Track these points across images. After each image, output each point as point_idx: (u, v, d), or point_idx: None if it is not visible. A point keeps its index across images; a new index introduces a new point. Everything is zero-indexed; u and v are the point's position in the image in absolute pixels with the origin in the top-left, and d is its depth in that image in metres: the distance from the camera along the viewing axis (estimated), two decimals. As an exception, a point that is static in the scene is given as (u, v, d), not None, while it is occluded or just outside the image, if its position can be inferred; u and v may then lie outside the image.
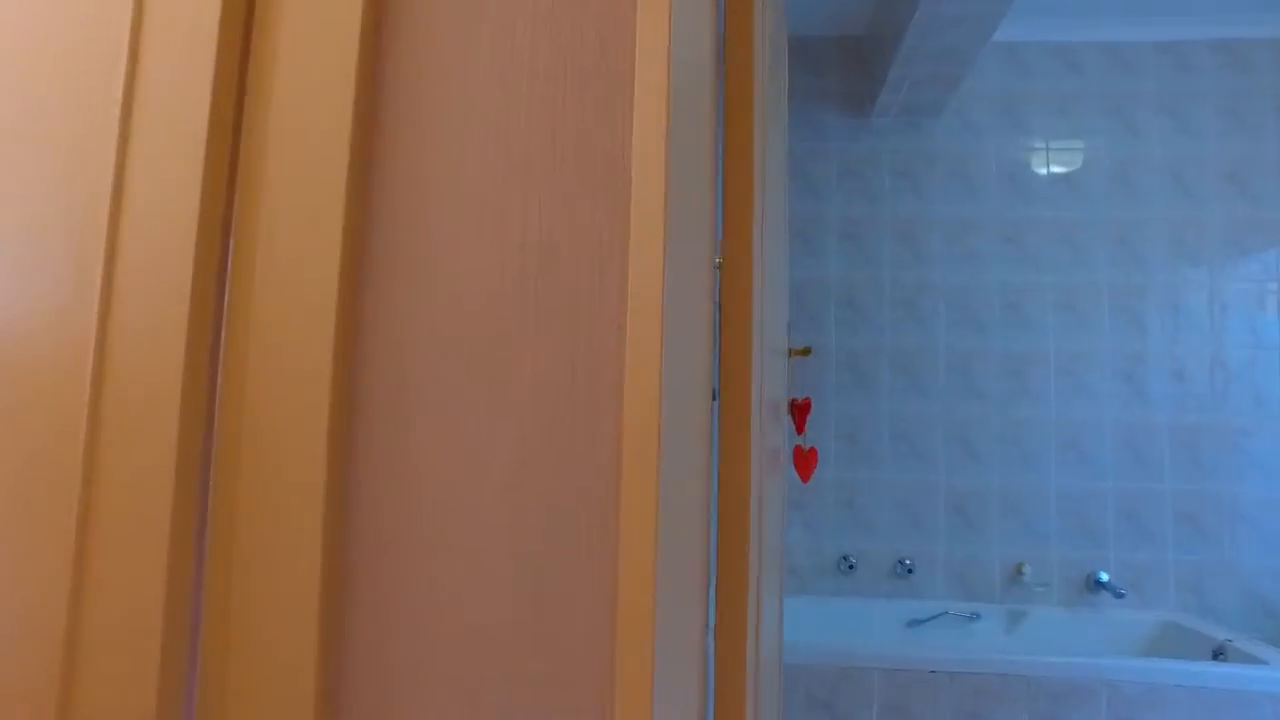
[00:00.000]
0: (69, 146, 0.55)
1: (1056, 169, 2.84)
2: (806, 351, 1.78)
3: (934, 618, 2.59)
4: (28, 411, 0.54)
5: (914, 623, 2.60)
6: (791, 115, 2.92)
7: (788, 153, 2.51)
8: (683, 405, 0.58)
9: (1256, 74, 2.79)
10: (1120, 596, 2.58)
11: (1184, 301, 2.73)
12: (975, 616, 2.58)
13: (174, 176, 0.52)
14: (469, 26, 0.56)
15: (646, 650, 0.46)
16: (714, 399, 0.91)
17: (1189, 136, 2.79)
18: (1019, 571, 2.65)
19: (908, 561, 2.68)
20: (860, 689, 2.06)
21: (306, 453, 0.49)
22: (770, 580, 1.34)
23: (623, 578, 0.46)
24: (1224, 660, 2.17)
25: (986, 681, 2.03)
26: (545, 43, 0.55)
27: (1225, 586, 2.59)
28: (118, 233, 0.52)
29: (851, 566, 2.68)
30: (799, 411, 2.25)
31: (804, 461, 2.24)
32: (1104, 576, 2.61)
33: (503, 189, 0.52)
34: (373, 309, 0.51)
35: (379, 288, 0.51)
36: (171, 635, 0.48)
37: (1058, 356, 2.75)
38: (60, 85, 0.56)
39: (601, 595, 0.48)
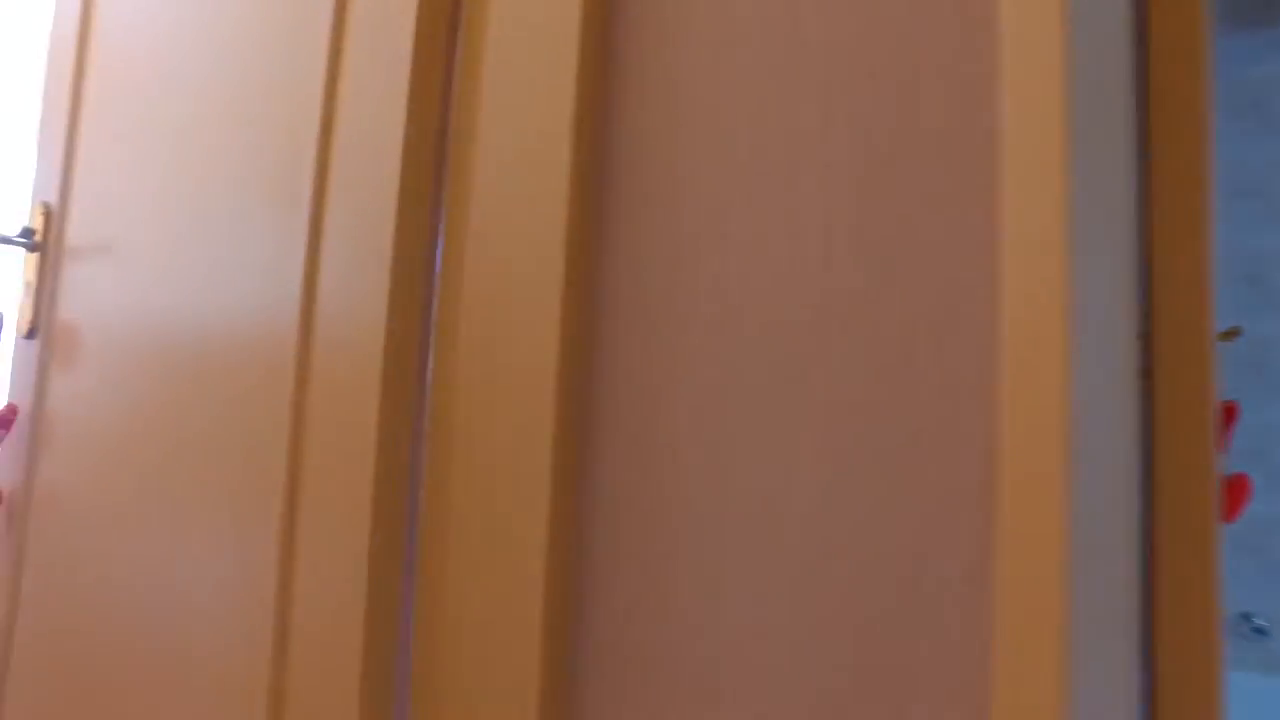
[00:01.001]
0: (276, 137, 0.60)
1: None
2: (1234, 334, 1.29)
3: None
4: (236, 406, 0.57)
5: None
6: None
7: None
8: (1098, 416, 0.37)
9: None
10: None
11: None
12: None
13: (378, 157, 0.52)
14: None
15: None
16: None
17: None
18: None
19: (1347, 630, 1.95)
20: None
21: (530, 454, 0.45)
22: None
23: (1002, 674, 0.30)
24: None
25: None
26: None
27: None
28: (320, 226, 0.54)
29: (1260, 631, 2.01)
30: (1221, 420, 1.70)
31: (1230, 491, 1.68)
32: None
33: (792, 156, 0.40)
34: (612, 291, 0.45)
35: (618, 266, 0.46)
36: (376, 635, 0.47)
37: None
38: (266, 78, 0.62)
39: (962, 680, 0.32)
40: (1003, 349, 0.32)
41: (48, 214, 0.97)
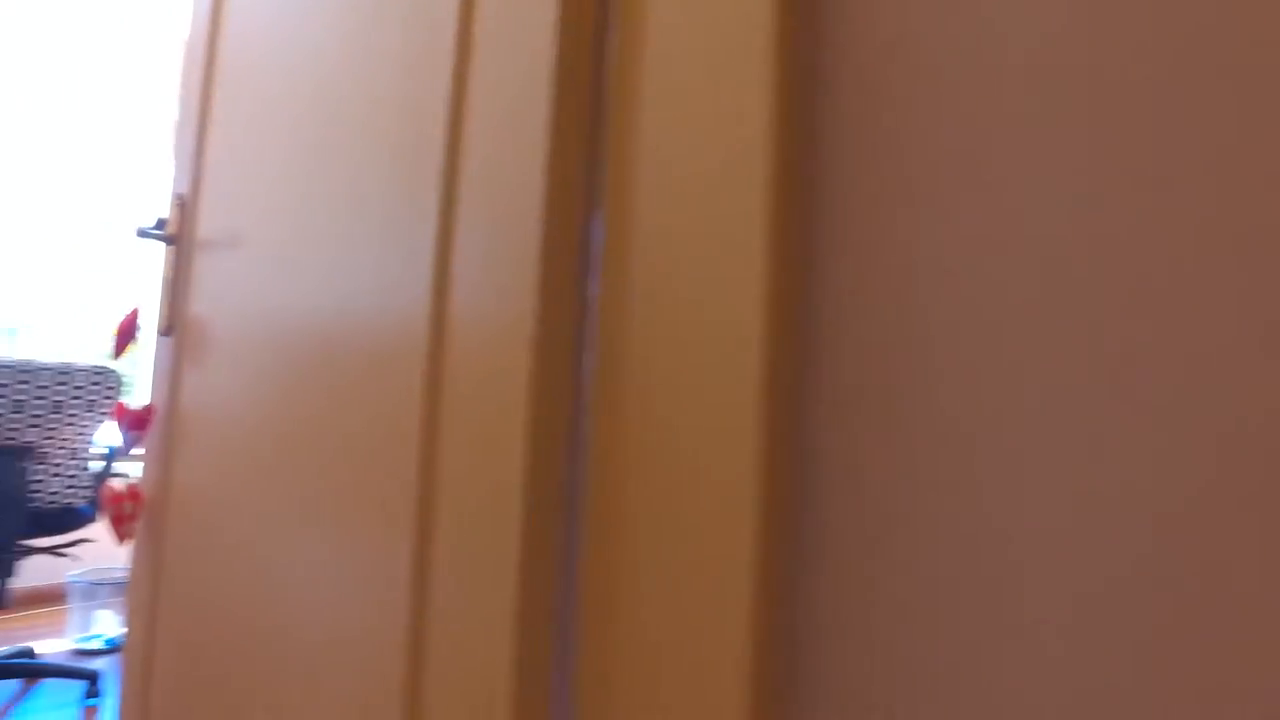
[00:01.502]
0: (402, 129, 0.54)
1: None
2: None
3: None
4: (364, 404, 0.53)
5: None
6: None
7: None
8: None
9: None
10: None
11: None
12: None
13: (518, 143, 0.47)
14: None
15: None
16: None
17: None
18: None
19: None
20: None
21: (727, 467, 0.36)
22: None
23: None
24: None
25: None
26: None
27: None
28: (452, 219, 0.48)
29: None
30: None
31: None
32: None
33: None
34: (830, 288, 0.35)
35: (834, 236, 0.35)
36: (530, 652, 0.41)
37: None
38: (389, 67, 0.57)
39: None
40: None
41: (182, 206, 0.94)
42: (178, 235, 0.94)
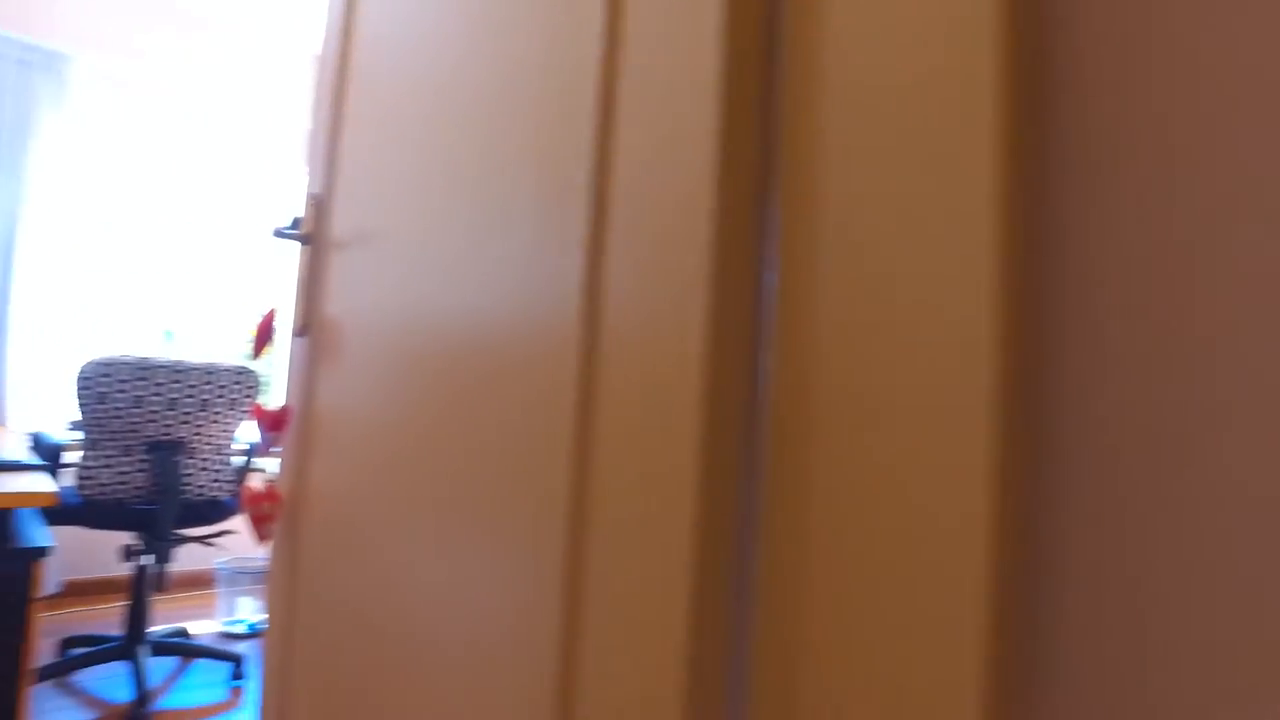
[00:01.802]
0: (543, 124, 0.50)
1: None
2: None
3: None
4: (504, 408, 0.50)
5: None
6: None
7: None
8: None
9: None
10: None
11: None
12: None
13: (677, 132, 0.41)
14: None
15: None
16: None
17: None
18: None
19: None
20: None
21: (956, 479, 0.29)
22: None
23: None
24: None
25: None
26: None
27: None
28: (604, 215, 0.44)
29: None
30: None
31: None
32: None
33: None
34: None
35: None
36: (698, 682, 0.36)
37: None
38: (527, 56, 0.53)
39: None
40: None
41: (316, 206, 0.94)
42: (312, 235, 0.94)
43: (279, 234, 0.90)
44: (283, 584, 0.94)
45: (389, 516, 0.70)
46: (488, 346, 0.58)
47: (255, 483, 0.85)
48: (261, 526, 0.90)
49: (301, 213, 0.96)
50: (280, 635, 0.94)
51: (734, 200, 0.39)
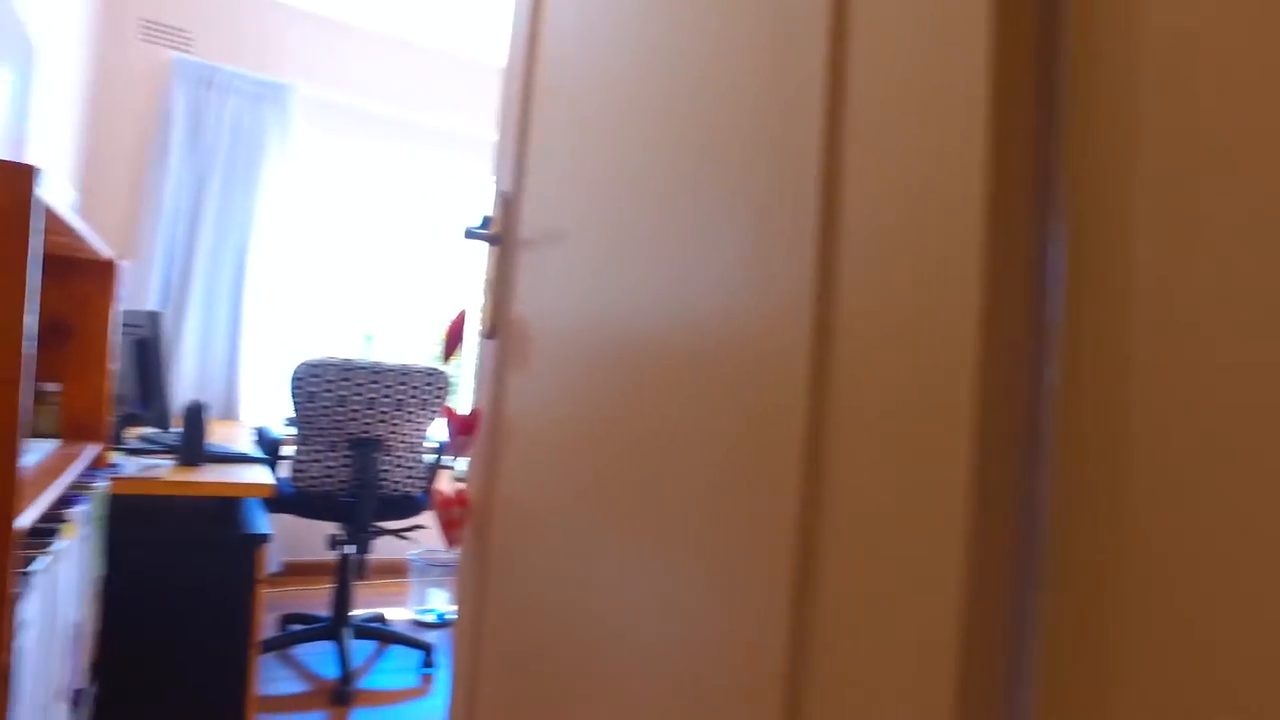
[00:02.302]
0: (754, 119, 0.46)
1: None
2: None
3: None
4: (712, 415, 0.47)
5: None
6: None
7: None
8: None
9: None
10: None
11: None
12: None
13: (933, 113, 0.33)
14: None
15: None
16: None
17: None
18: None
19: None
20: None
21: None
22: None
23: None
24: None
25: None
26: None
27: None
28: (836, 212, 0.39)
29: None
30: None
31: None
32: None
33: None
34: None
35: None
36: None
37: None
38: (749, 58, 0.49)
39: None
40: None
41: (505, 204, 0.92)
42: (501, 235, 0.92)
43: (469, 234, 0.89)
44: (472, 583, 0.94)
45: (583, 519, 0.67)
46: (691, 348, 0.52)
47: (445, 487, 0.85)
48: (451, 531, 0.90)
49: (491, 213, 0.95)
50: (469, 632, 0.94)
51: (1007, 188, 0.30)
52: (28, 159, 1.04)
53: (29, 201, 0.66)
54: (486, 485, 0.91)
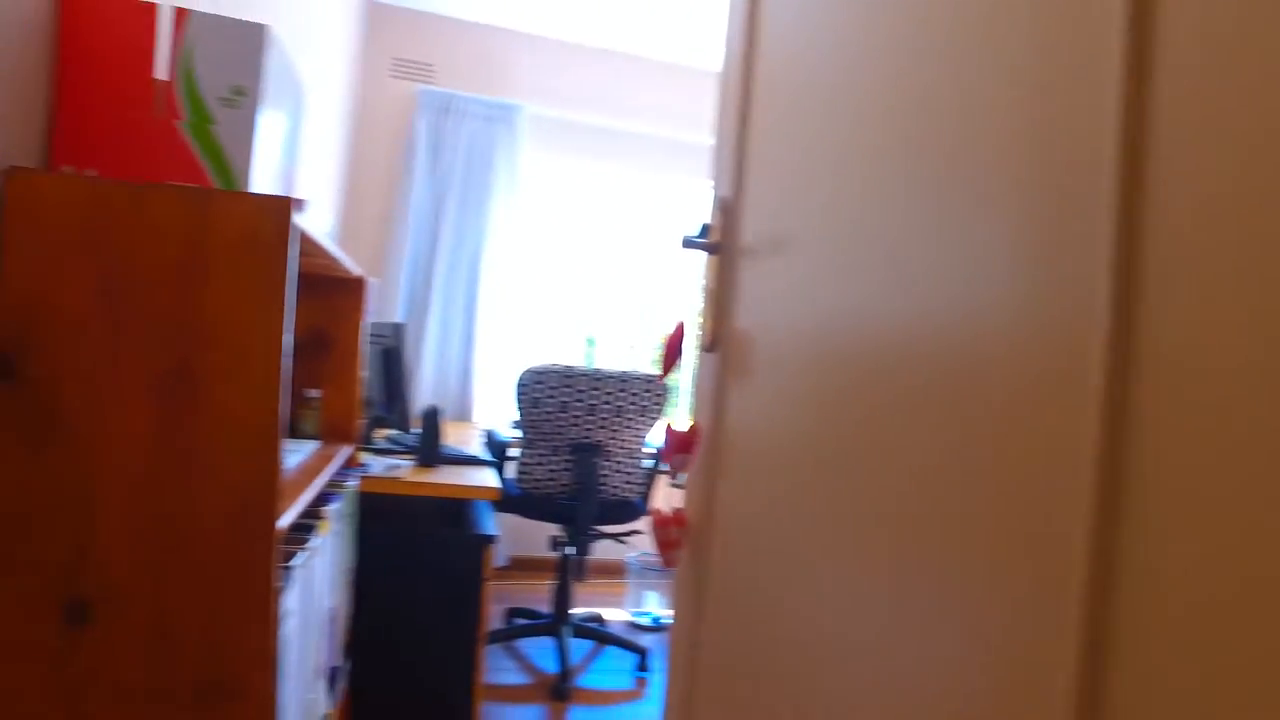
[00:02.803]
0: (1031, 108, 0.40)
1: None
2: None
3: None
4: (976, 433, 0.43)
5: None
6: None
7: None
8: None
9: None
10: None
11: None
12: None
13: None
14: None
15: None
16: None
17: None
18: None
19: None
20: None
21: None
22: None
23: None
24: None
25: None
26: None
27: None
28: (1140, 211, 0.33)
29: None
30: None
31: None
32: None
33: None
34: None
35: None
36: None
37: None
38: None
39: None
40: None
41: (725, 211, 0.87)
42: (721, 243, 0.88)
43: (687, 243, 0.85)
44: (689, 595, 0.91)
45: (812, 536, 0.63)
46: (936, 356, 0.45)
47: (662, 505, 0.82)
48: (668, 551, 0.86)
49: (709, 220, 0.91)
50: (686, 643, 0.91)
51: None
52: (296, 192, 1.14)
53: (288, 230, 0.71)
54: (706, 502, 0.88)
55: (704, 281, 0.91)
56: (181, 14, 0.79)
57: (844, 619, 0.57)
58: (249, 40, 0.79)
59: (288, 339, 0.71)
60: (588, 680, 2.46)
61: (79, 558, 0.69)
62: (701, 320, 0.91)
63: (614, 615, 3.14)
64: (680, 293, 3.85)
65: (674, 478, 0.85)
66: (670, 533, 0.85)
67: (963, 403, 0.45)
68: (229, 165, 0.80)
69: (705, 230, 0.88)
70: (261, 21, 0.80)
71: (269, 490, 0.72)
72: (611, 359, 3.81)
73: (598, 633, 2.63)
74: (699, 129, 3.75)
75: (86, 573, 0.69)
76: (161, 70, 0.79)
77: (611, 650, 2.74)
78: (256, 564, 0.72)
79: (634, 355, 3.83)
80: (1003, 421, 0.41)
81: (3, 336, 0.67)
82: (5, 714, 0.68)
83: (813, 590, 0.62)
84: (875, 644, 0.53)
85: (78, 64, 0.78)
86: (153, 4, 0.79)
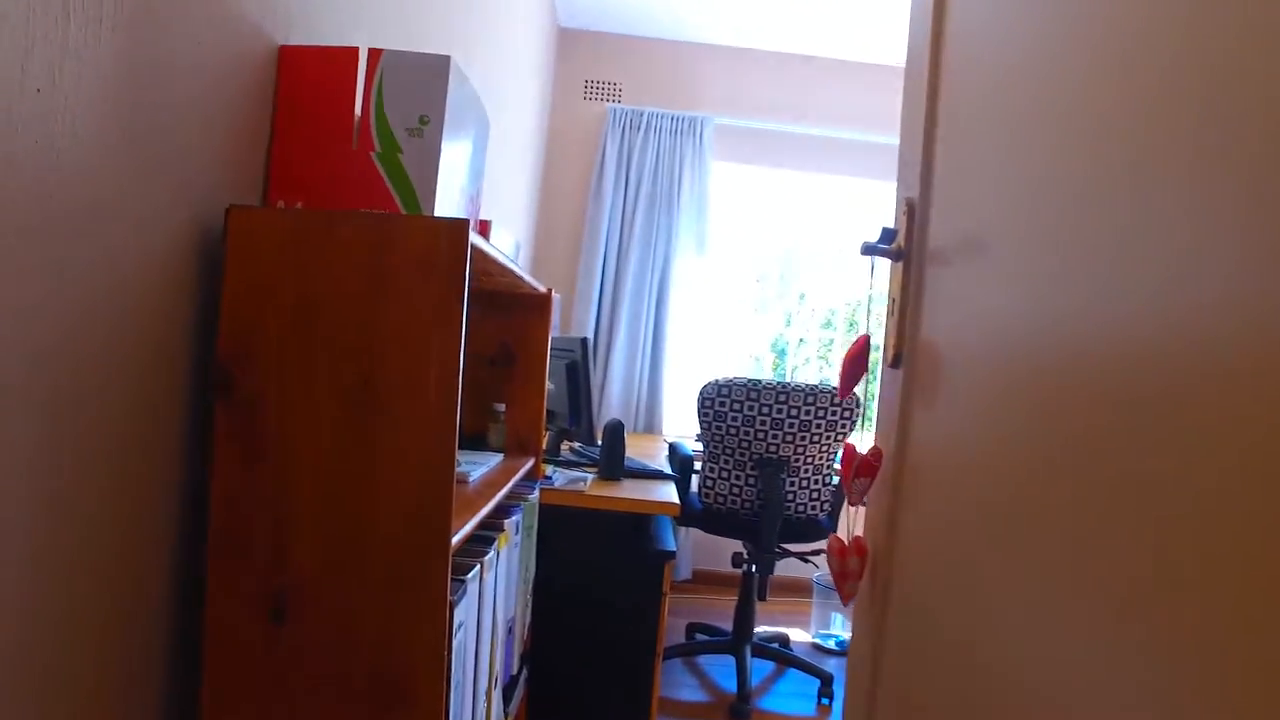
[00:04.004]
0: None
1: None
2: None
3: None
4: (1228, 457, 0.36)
5: None
6: None
7: None
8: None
9: None
10: None
11: None
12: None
13: None
14: None
15: None
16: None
17: None
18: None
19: None
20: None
21: None
22: None
23: None
24: None
25: None
26: None
27: None
28: None
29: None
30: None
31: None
32: None
33: None
34: None
35: None
36: None
37: None
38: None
39: None
40: None
41: (910, 213, 0.80)
42: (907, 249, 0.80)
43: (867, 249, 0.79)
44: (868, 632, 0.84)
45: (1012, 581, 0.57)
46: (1191, 372, 0.38)
47: (842, 537, 0.77)
48: (845, 584, 0.80)
49: (893, 224, 0.84)
50: (865, 680, 0.84)
51: None
52: (482, 213, 1.19)
53: (465, 250, 0.74)
54: (887, 531, 0.80)
55: (889, 292, 0.84)
56: (375, 54, 0.85)
57: (1055, 670, 0.50)
58: (432, 72, 0.83)
59: (463, 354, 0.73)
60: (768, 703, 2.38)
61: (281, 563, 0.74)
62: (886, 333, 0.84)
63: (798, 636, 3.03)
64: (871, 301, 3.67)
65: (853, 502, 0.79)
66: (849, 563, 0.79)
67: (1211, 425, 0.36)
68: (414, 191, 0.84)
69: (888, 234, 0.81)
70: (449, 54, 0.84)
71: (443, 504, 0.75)
72: (801, 371, 3.70)
73: (780, 654, 2.55)
74: (884, 127, 3.58)
75: (285, 576, 0.75)
76: (358, 107, 0.85)
77: (793, 673, 2.65)
78: (430, 575, 0.74)
79: (825, 367, 3.70)
80: (1267, 448, 0.33)
81: (225, 356, 0.74)
82: (227, 699, 0.75)
83: (1014, 637, 0.55)
84: (1091, 703, 0.45)
85: (292, 110, 0.86)
86: (354, 48, 0.85)
